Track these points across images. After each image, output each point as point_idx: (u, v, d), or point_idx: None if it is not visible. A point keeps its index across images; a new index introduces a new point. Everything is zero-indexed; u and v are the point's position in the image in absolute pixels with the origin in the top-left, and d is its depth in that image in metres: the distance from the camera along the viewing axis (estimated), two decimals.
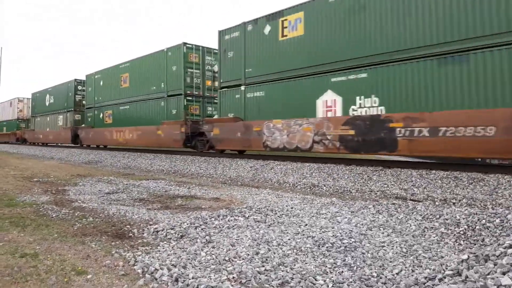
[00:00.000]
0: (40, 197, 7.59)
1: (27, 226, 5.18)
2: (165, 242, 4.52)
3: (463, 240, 4.64)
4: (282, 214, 5.99)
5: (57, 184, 9.67)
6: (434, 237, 4.80)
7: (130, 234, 4.88)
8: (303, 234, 4.78)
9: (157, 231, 4.92)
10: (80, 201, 7.19)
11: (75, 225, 5.28)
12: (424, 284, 3.11)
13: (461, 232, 4.91)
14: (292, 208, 6.48)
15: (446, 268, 3.26)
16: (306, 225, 5.30)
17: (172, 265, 3.60)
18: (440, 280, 3.06)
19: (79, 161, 20.49)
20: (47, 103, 36.81)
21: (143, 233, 4.90)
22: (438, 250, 4.22)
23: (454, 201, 7.38)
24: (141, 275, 3.45)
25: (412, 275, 3.39)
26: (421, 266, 3.67)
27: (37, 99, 38.31)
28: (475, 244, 4.48)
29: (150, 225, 5.25)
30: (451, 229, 5.06)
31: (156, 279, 3.34)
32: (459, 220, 5.35)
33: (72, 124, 30.49)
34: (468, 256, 3.22)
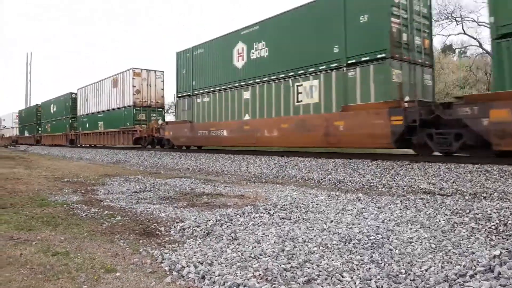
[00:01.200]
0: (70, 197, 7.79)
1: (58, 225, 5.33)
2: (191, 239, 4.57)
3: (495, 235, 4.50)
4: (308, 211, 5.96)
5: (86, 184, 9.91)
6: (464, 232, 4.68)
7: (157, 232, 4.95)
8: (329, 231, 4.74)
9: (184, 229, 4.97)
10: (108, 200, 7.34)
11: (104, 224, 5.40)
12: (454, 281, 3.04)
13: (493, 227, 4.77)
14: (317, 204, 6.44)
15: (478, 264, 3.17)
16: (332, 221, 5.26)
17: (198, 262, 3.64)
18: (471, 276, 2.98)
19: (107, 161, 20.94)
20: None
21: (170, 231, 4.97)
22: (469, 246, 4.10)
23: (484, 195, 7.18)
24: (168, 273, 3.49)
25: (442, 272, 3.32)
26: (451, 262, 3.58)
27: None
28: (507, 240, 4.34)
29: (177, 223, 5.31)
30: (482, 224, 4.92)
31: (183, 276, 3.38)
32: (490, 214, 5.20)
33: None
34: (501, 252, 3.12)
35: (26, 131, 54.34)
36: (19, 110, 56.93)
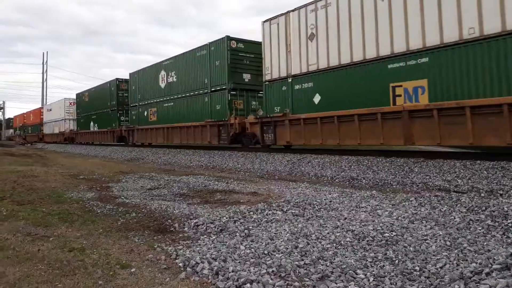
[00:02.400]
0: (86, 193, 7.90)
1: (75, 221, 5.41)
2: (205, 236, 4.60)
3: (511, 233, 4.44)
4: (321, 208, 5.95)
5: (102, 181, 10.03)
6: (480, 229, 4.62)
7: (172, 229, 4.99)
8: (343, 228, 4.73)
9: (197, 225, 5.01)
10: (123, 197, 7.43)
11: (119, 221, 5.47)
12: (470, 278, 3.00)
13: (509, 225, 4.69)
14: (330, 201, 6.42)
15: (494, 262, 3.13)
16: (346, 218, 5.24)
17: (212, 259, 3.66)
18: (487, 274, 2.94)
19: (122, 158, 21.15)
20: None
21: (184, 228, 5.01)
22: (485, 244, 4.05)
23: (501, 192, 7.07)
24: (182, 269, 3.52)
25: (457, 269, 3.28)
26: (466, 260, 3.55)
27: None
28: None
29: (191, 219, 5.35)
30: (498, 222, 4.85)
31: (197, 272, 3.41)
32: (507, 212, 5.12)
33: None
34: None
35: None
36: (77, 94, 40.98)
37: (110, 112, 31.25)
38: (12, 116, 75.01)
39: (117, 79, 30.74)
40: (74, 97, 41.73)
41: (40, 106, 64.38)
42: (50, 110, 48.36)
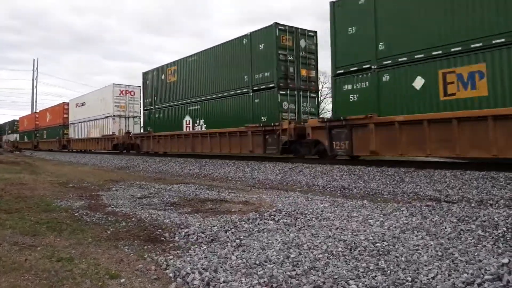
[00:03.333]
0: (75, 202, 7.80)
1: (63, 230, 5.33)
2: (196, 245, 4.56)
3: (502, 243, 4.44)
4: (312, 217, 5.93)
5: (91, 190, 9.92)
6: (470, 240, 4.63)
7: (162, 238, 4.94)
8: (334, 238, 4.71)
9: (188, 235, 4.96)
10: (113, 206, 7.35)
11: (108, 230, 5.40)
12: None
13: (500, 235, 4.71)
14: (322, 211, 6.41)
15: (485, 272, 3.14)
16: (337, 228, 5.23)
17: (203, 269, 3.62)
18: (479, 285, 2.95)
19: (112, 166, 20.99)
20: None
21: (174, 237, 4.96)
22: (476, 254, 4.06)
23: (491, 202, 7.12)
24: (173, 279, 3.48)
25: (449, 280, 3.28)
26: (457, 270, 3.55)
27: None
28: None
29: (181, 229, 5.30)
30: (489, 232, 4.87)
31: (187, 283, 3.36)
32: (497, 222, 5.15)
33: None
34: (509, 260, 3.09)
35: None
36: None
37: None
38: (17, 118, 60.54)
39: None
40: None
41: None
42: (83, 104, 34.26)
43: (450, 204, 6.92)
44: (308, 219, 5.81)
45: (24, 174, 14.31)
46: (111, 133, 28.30)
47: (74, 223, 5.81)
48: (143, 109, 24.94)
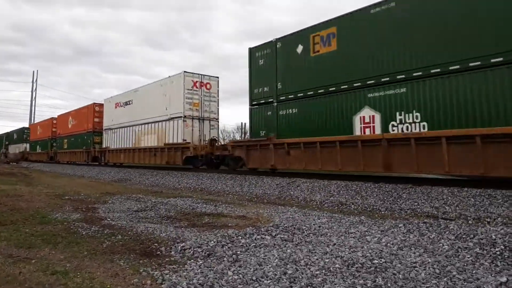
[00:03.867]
0: (71, 214, 7.74)
1: (58, 243, 5.28)
2: (192, 260, 4.52)
3: (500, 261, 4.43)
4: (310, 233, 5.91)
5: (87, 202, 9.86)
6: (468, 257, 4.62)
7: (158, 252, 4.90)
8: (332, 254, 4.69)
9: (184, 249, 4.92)
10: (109, 219, 7.30)
11: (104, 243, 5.35)
12: None
13: (498, 253, 4.70)
14: (319, 227, 6.39)
15: None
16: (335, 244, 5.20)
17: (199, 284, 3.59)
18: None
19: (109, 179, 20.90)
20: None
21: (170, 251, 4.92)
22: (473, 272, 4.04)
23: (488, 220, 7.11)
24: None
25: None
26: None
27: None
28: None
29: (178, 243, 5.26)
30: (486, 250, 4.85)
31: None
32: (495, 240, 5.14)
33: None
34: (507, 279, 3.07)
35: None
36: None
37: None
38: (26, 125, 56.20)
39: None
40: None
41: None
42: (127, 103, 25.92)
43: (448, 221, 6.90)
44: (306, 235, 5.79)
45: (20, 185, 14.23)
46: (181, 141, 20.08)
47: (70, 236, 5.76)
48: (250, 105, 16.30)
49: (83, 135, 32.30)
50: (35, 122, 60.96)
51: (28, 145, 50.57)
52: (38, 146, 45.80)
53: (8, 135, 60.53)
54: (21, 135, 53.74)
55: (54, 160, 39.73)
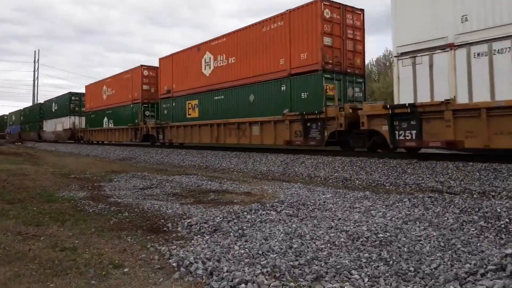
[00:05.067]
0: (78, 193, 7.82)
1: (66, 221, 5.35)
2: (198, 236, 4.57)
3: (505, 234, 4.45)
4: (315, 208, 5.94)
5: (93, 180, 9.94)
6: (473, 231, 4.64)
7: (165, 228, 4.95)
8: (337, 228, 4.72)
9: (191, 225, 4.97)
10: (115, 197, 7.36)
11: (111, 220, 5.41)
12: (465, 279, 3.00)
13: (502, 226, 4.72)
14: (324, 202, 6.42)
15: (488, 263, 3.14)
16: (340, 219, 5.24)
17: (206, 259, 3.63)
18: (482, 275, 2.95)
19: (114, 157, 21.01)
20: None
21: (177, 227, 4.97)
22: (478, 245, 4.07)
23: (493, 193, 7.11)
24: (176, 269, 3.49)
25: (452, 270, 3.28)
26: (460, 261, 3.55)
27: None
28: None
29: (184, 219, 5.31)
30: (491, 223, 4.87)
31: (191, 272, 3.37)
32: (499, 213, 5.15)
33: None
34: None
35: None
36: None
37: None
38: (79, 91, 37.92)
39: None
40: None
41: (37, 102, 55.78)
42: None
43: (453, 195, 6.92)
44: (310, 210, 5.82)
45: (26, 165, 14.34)
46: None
47: (77, 214, 5.82)
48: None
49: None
50: (38, 101, 59.60)
51: (84, 119, 35.15)
52: (94, 120, 31.55)
53: (45, 106, 45.15)
54: (66, 103, 37.48)
55: (83, 140, 33.96)
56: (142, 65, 24.44)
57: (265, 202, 6.41)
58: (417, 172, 9.31)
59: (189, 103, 20.28)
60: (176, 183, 9.27)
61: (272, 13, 15.48)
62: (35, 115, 47.62)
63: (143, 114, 24.14)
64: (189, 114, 20.31)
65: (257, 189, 8.14)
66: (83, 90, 36.18)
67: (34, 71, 70.03)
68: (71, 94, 37.35)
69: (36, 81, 69.73)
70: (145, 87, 24.39)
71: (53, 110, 41.02)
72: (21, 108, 57.90)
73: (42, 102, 47.23)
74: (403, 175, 9.34)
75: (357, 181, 9.42)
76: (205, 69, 18.98)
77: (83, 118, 35.22)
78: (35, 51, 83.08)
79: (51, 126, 41.65)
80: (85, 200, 6.92)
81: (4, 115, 67.29)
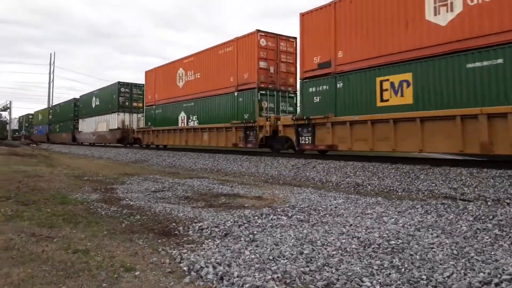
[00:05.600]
0: (90, 195, 7.89)
1: (79, 223, 5.40)
2: (209, 240, 4.57)
3: None
4: (326, 214, 5.91)
5: (106, 183, 10.03)
6: (487, 239, 4.57)
7: (176, 232, 4.97)
8: (348, 235, 4.69)
9: (202, 229, 4.98)
10: (127, 199, 7.42)
11: (123, 223, 5.45)
12: None
13: None
14: (336, 207, 6.39)
15: (503, 272, 3.09)
16: (351, 225, 5.20)
17: (217, 263, 3.63)
18: (497, 284, 2.90)
19: (127, 160, 21.19)
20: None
21: (188, 231, 4.98)
22: (492, 253, 4.00)
23: (508, 201, 7.00)
24: (187, 273, 3.50)
25: (465, 279, 3.24)
26: (474, 270, 3.50)
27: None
28: None
29: (195, 223, 5.33)
30: (505, 231, 4.79)
31: (201, 277, 3.38)
32: None
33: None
34: None
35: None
36: None
37: None
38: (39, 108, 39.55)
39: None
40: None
41: (51, 105, 53.08)
42: None
43: (466, 202, 6.83)
44: (322, 216, 5.80)
45: (40, 166, 14.53)
46: None
47: (90, 216, 5.88)
48: (146, 106, 26.52)
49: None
50: (53, 103, 59.45)
51: (131, 116, 29.22)
52: (185, 115, 21.55)
53: (64, 107, 41.12)
54: (109, 97, 30.48)
55: (141, 144, 26.18)
56: (258, 30, 16.52)
57: (276, 206, 6.40)
58: (430, 178, 9.21)
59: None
60: (187, 186, 9.31)
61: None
62: (67, 113, 40.29)
63: (259, 105, 16.34)
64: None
65: (268, 193, 8.13)
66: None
67: (49, 73, 71.00)
68: (120, 84, 29.57)
69: (51, 84, 70.67)
70: (262, 64, 16.48)
71: (93, 105, 33.72)
72: (50, 105, 53.82)
73: (78, 97, 39.09)
74: (416, 181, 9.25)
75: (369, 187, 9.36)
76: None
77: (135, 116, 29.27)
78: (50, 53, 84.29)
79: (90, 125, 34.59)
80: (97, 203, 6.98)
81: (29, 114, 62.28)
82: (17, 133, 61.18)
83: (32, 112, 56.88)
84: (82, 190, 8.52)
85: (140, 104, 29.33)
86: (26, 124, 57.79)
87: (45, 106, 62.47)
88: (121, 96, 29.48)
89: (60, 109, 43.79)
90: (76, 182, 9.94)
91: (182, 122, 21.76)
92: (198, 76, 20.58)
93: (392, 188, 8.94)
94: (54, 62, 70.78)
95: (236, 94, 17.52)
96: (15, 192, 7.94)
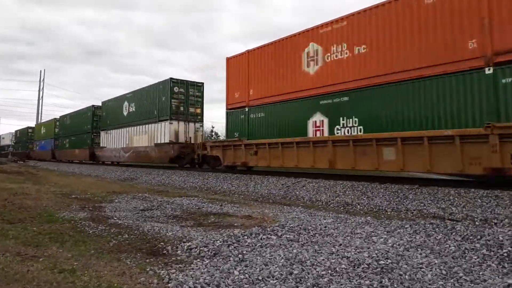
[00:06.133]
0: (78, 213, 7.79)
1: (66, 242, 5.32)
2: (198, 259, 4.53)
3: (507, 263, 4.41)
4: (316, 233, 5.90)
5: (94, 201, 9.92)
6: (475, 259, 4.59)
7: (164, 251, 4.92)
8: (338, 254, 4.68)
9: (191, 249, 4.94)
10: (115, 218, 7.34)
11: (111, 242, 5.38)
12: None
13: (505, 254, 4.67)
14: (325, 227, 6.38)
15: None
16: (341, 245, 5.20)
17: (205, 284, 3.60)
18: None
19: (115, 178, 20.99)
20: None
21: (176, 250, 4.94)
22: (480, 273, 4.02)
23: (495, 221, 7.07)
24: None
25: None
26: None
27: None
28: None
29: (184, 242, 5.28)
30: (493, 251, 4.83)
31: None
32: (502, 241, 5.11)
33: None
34: None
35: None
36: None
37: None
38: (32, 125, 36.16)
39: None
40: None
41: (40, 122, 52.05)
42: None
43: (454, 222, 6.87)
44: (311, 235, 5.79)
45: (27, 184, 14.33)
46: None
47: (77, 235, 5.80)
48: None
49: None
50: (41, 121, 58.71)
51: (187, 126, 22.12)
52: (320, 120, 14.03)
53: (77, 117, 34.62)
54: (154, 100, 23.32)
55: (221, 164, 18.16)
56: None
57: (266, 226, 6.37)
58: (418, 198, 9.27)
59: None
60: (176, 205, 9.25)
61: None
62: (82, 124, 32.80)
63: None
64: None
65: (257, 212, 8.10)
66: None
67: (39, 90, 70.66)
68: (172, 80, 21.93)
69: (40, 101, 70.23)
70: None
71: (125, 113, 26.52)
72: (38, 122, 50.24)
73: (98, 105, 32.03)
74: (404, 200, 9.31)
75: (358, 206, 9.38)
76: None
77: (192, 126, 22.10)
78: (40, 70, 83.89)
79: (118, 139, 27.33)
80: (85, 221, 6.89)
81: (28, 128, 53.08)
82: (11, 149, 57.78)
83: (32, 125, 51.21)
84: (70, 208, 8.41)
85: (199, 110, 22.62)
86: (24, 139, 49.48)
87: (33, 123, 61.14)
88: (174, 99, 21.77)
89: (72, 120, 35.74)
90: (63, 200, 9.81)
91: (317, 130, 13.59)
92: (364, 50, 12.12)
93: (381, 208, 8.98)
94: (44, 79, 70.60)
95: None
96: (1, 210, 7.81)
